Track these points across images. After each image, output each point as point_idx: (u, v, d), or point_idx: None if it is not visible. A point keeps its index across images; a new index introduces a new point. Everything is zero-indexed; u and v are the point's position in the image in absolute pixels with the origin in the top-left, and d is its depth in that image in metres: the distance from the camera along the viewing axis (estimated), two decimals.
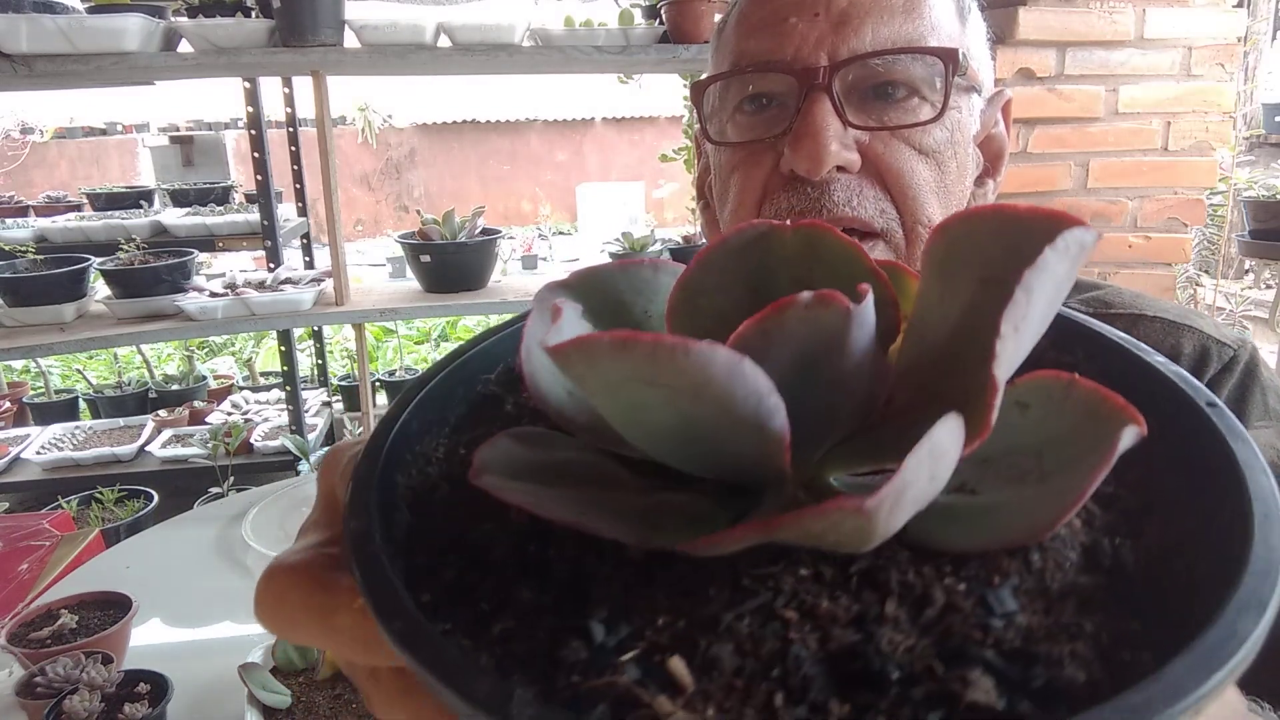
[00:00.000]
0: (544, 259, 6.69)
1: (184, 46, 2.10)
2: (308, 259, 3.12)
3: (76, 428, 3.21)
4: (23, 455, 2.93)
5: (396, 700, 0.23)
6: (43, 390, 3.62)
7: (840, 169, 0.63)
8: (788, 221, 0.25)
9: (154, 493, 2.64)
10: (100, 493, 2.56)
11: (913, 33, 0.63)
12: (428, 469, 0.25)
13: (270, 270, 2.55)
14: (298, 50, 2.04)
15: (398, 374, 3.69)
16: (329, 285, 2.34)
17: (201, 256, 2.60)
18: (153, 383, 3.63)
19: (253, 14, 2.12)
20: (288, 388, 2.79)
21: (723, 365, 0.17)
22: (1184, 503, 0.22)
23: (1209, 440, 0.22)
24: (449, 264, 2.34)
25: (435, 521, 0.23)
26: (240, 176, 4.45)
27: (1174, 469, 0.22)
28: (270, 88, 2.66)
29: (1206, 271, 3.87)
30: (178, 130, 7.03)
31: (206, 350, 4.68)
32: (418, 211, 2.59)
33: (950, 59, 0.62)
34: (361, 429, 3.02)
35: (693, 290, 0.25)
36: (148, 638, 1.13)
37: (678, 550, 0.19)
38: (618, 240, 2.54)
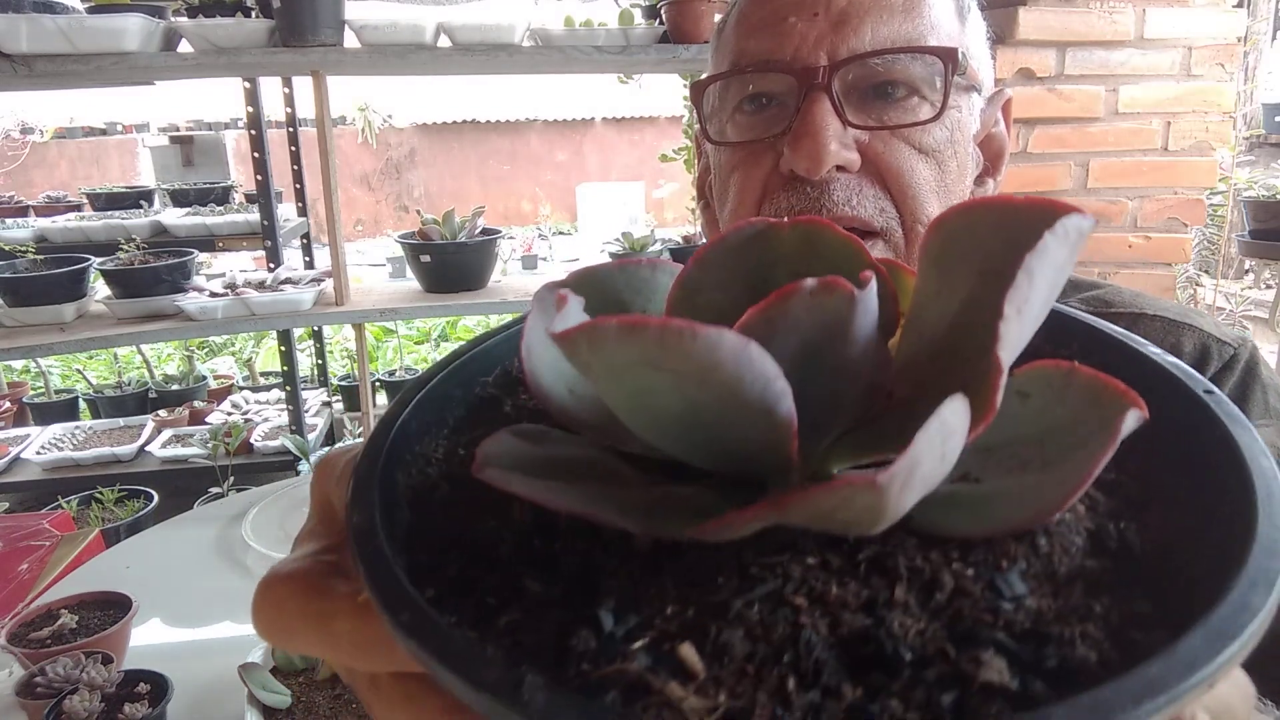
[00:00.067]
0: (544, 259, 6.69)
1: (184, 46, 2.10)
2: (308, 259, 3.12)
3: (76, 428, 3.21)
4: (23, 455, 2.93)
5: (398, 706, 0.22)
6: (43, 390, 3.62)
7: (840, 168, 0.63)
8: (786, 219, 0.25)
9: (154, 493, 2.64)
10: (100, 493, 2.56)
11: (912, 32, 0.63)
12: (427, 469, 0.25)
13: (270, 270, 2.55)
14: (298, 50, 2.04)
15: (398, 374, 3.69)
16: (329, 285, 2.34)
17: (201, 256, 2.60)
18: (153, 383, 3.63)
19: (253, 14, 2.12)
20: (288, 388, 2.80)
21: (730, 349, 0.17)
22: (1187, 487, 0.22)
23: (1209, 426, 0.22)
24: (449, 264, 2.34)
25: (436, 520, 0.23)
26: (240, 176, 4.45)
27: (1175, 455, 0.23)
28: (270, 88, 2.66)
29: (1206, 271, 3.87)
30: (178, 130, 7.04)
31: (206, 350, 4.68)
32: (418, 211, 2.59)
33: (950, 58, 0.62)
34: (361, 429, 3.02)
35: (691, 288, 0.26)
36: (148, 638, 1.13)
37: (686, 537, 0.19)
38: (618, 240, 2.55)
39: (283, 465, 2.86)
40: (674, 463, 0.23)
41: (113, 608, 1.10)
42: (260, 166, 2.53)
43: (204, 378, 3.80)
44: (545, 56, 2.13)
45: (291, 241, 2.94)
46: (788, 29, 0.63)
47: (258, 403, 3.40)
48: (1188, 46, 2.13)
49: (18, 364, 4.04)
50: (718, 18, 0.94)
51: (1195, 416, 0.23)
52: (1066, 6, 2.07)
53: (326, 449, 2.87)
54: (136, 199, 3.19)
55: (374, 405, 2.77)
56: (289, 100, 2.76)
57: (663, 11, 2.16)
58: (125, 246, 2.37)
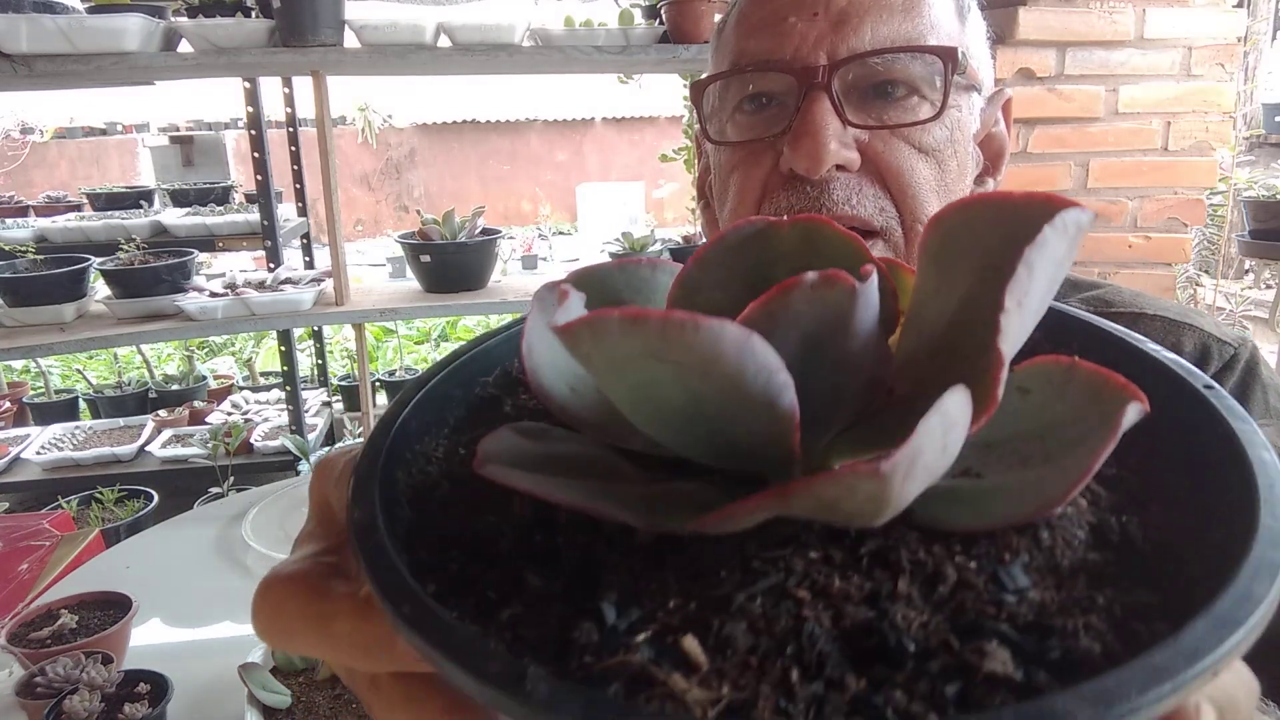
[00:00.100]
0: (544, 259, 6.69)
1: (184, 46, 2.10)
2: (308, 259, 3.12)
3: (76, 428, 3.21)
4: (23, 455, 2.93)
5: (399, 707, 0.22)
6: (43, 390, 3.62)
7: (840, 168, 0.63)
8: (786, 218, 0.25)
9: (154, 493, 2.64)
10: (100, 493, 2.56)
11: (912, 31, 0.63)
12: (428, 468, 0.25)
13: (270, 270, 2.55)
14: (298, 50, 2.04)
15: (398, 374, 3.69)
16: (329, 285, 2.34)
17: (201, 256, 2.60)
18: (153, 383, 3.63)
19: (253, 14, 2.12)
20: (288, 388, 2.80)
21: (733, 341, 0.17)
22: (1188, 481, 0.22)
23: (1209, 420, 0.22)
24: (449, 264, 2.34)
25: (437, 518, 0.23)
26: (240, 176, 4.45)
27: (1176, 450, 0.23)
28: (270, 88, 2.66)
29: (1206, 271, 3.87)
30: (178, 130, 7.04)
31: (206, 350, 4.68)
32: (418, 211, 2.59)
33: (949, 57, 0.62)
34: (361, 429, 3.02)
35: (691, 287, 0.26)
36: (148, 638, 1.13)
37: (689, 531, 0.19)
38: (618, 240, 2.55)
39: (283, 465, 2.86)
40: (675, 461, 0.23)
41: (113, 608, 1.10)
42: (260, 166, 2.53)
43: (204, 378, 3.80)
44: (545, 56, 2.13)
45: (291, 241, 2.94)
46: (788, 29, 0.63)
47: (258, 403, 3.40)
48: (1188, 46, 2.13)
49: (18, 364, 4.05)
50: (718, 18, 0.95)
51: (1196, 412, 0.23)
52: (1066, 6, 2.08)
53: (326, 449, 2.87)
54: (136, 199, 3.19)
55: (374, 405, 2.77)
56: (289, 100, 2.76)
57: (663, 11, 2.16)
58: (125, 246, 2.37)
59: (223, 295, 2.23)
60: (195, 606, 1.23)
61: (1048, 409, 0.22)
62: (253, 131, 2.55)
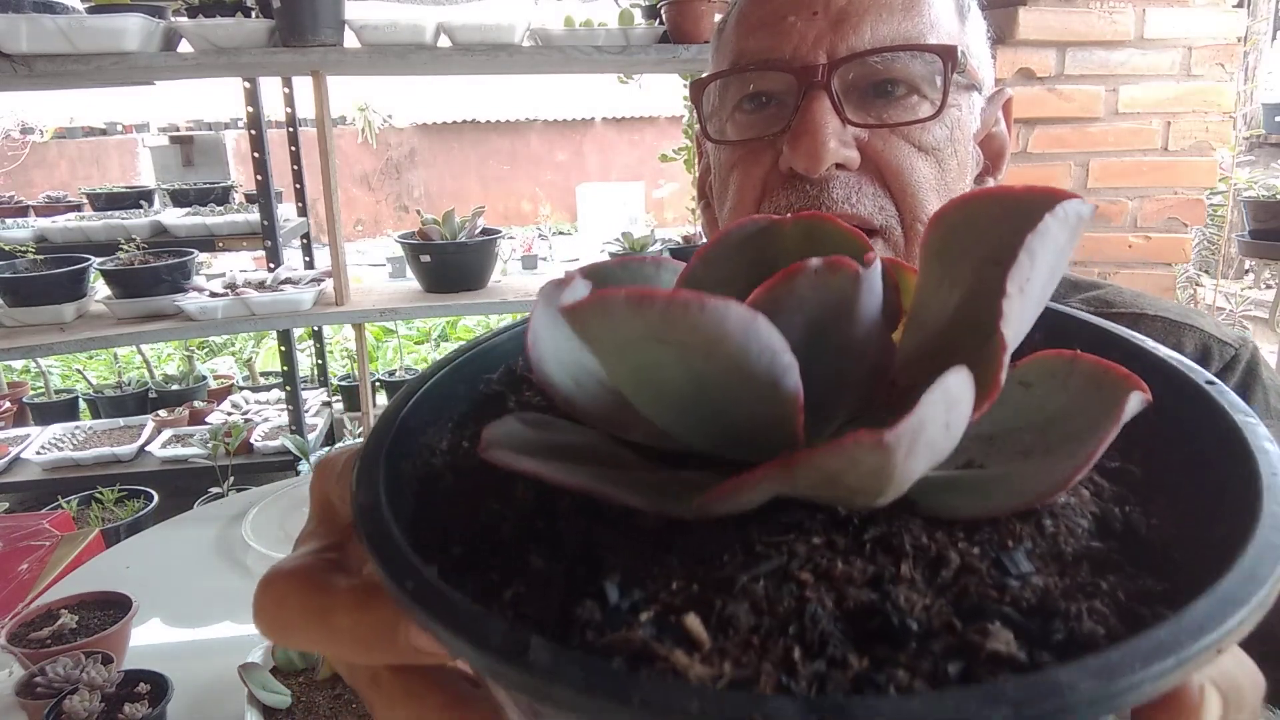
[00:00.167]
0: (544, 259, 6.69)
1: (184, 46, 2.11)
2: (308, 259, 3.12)
3: (76, 428, 3.21)
4: (23, 455, 2.93)
5: (399, 702, 0.22)
6: (43, 390, 3.62)
7: (839, 166, 0.63)
8: (788, 216, 0.25)
9: (154, 493, 2.64)
10: (100, 493, 2.56)
11: (911, 30, 0.63)
12: (431, 460, 0.25)
13: (270, 270, 2.55)
14: (298, 50, 2.04)
15: (398, 374, 3.69)
16: (329, 285, 2.34)
17: (201, 256, 2.60)
18: (153, 383, 3.63)
19: (253, 14, 2.12)
20: (288, 388, 2.80)
21: (737, 321, 0.17)
22: (1191, 472, 0.22)
23: (1211, 415, 0.22)
24: (449, 264, 2.34)
25: (440, 507, 0.23)
26: (240, 176, 4.45)
27: (1179, 443, 0.23)
28: (270, 88, 2.66)
29: (1206, 271, 3.87)
30: (178, 130, 7.04)
31: (206, 350, 4.68)
32: (418, 211, 2.59)
33: (949, 56, 0.62)
34: (361, 429, 3.02)
35: (695, 285, 0.26)
36: (148, 638, 1.13)
37: (693, 514, 0.19)
38: (618, 240, 2.55)
39: (283, 465, 2.86)
40: (678, 453, 0.24)
41: (113, 608, 1.10)
42: (260, 166, 2.54)
43: (204, 378, 3.80)
44: (545, 56, 2.13)
45: (291, 241, 2.94)
46: (787, 28, 0.63)
47: (258, 403, 3.40)
48: (1188, 46, 2.13)
49: (18, 364, 4.04)
50: (718, 18, 0.95)
51: (1199, 408, 0.23)
52: (1066, 6, 2.08)
53: (326, 449, 2.87)
54: (136, 199, 3.20)
55: (374, 405, 2.77)
56: (289, 100, 2.76)
57: (663, 11, 2.16)
58: (125, 246, 2.37)
59: (223, 295, 2.23)
60: (195, 606, 1.23)
61: (1050, 401, 0.22)
62: (253, 131, 2.55)
